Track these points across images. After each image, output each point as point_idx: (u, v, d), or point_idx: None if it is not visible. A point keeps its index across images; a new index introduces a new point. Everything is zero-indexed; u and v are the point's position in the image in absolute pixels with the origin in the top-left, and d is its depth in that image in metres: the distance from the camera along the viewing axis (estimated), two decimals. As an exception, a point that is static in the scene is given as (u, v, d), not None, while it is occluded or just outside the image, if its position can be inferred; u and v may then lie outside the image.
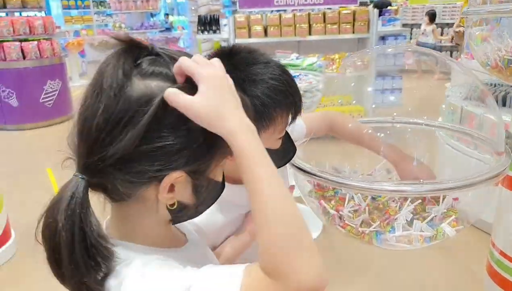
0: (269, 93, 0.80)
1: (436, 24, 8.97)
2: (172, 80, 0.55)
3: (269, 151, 0.59)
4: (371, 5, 8.46)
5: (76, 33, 11.70)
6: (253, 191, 0.53)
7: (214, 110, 0.53)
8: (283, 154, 0.90)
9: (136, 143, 0.53)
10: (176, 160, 0.55)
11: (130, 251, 0.59)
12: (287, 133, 0.90)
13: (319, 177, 0.90)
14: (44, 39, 5.94)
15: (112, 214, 0.64)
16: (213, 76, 0.55)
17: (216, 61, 0.58)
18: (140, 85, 0.54)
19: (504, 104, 2.89)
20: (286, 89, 0.83)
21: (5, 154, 5.16)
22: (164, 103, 0.53)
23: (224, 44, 7.21)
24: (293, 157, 0.94)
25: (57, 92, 6.07)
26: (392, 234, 0.91)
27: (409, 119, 1.20)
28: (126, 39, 0.56)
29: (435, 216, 0.94)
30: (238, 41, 4.70)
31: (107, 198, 0.61)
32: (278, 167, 0.72)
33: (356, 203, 0.99)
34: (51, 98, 6.00)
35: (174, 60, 0.56)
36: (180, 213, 0.62)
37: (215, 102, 0.54)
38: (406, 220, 0.93)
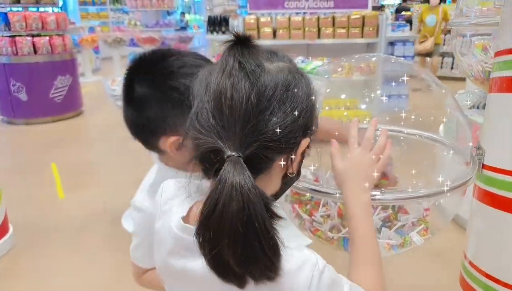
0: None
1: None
2: (287, 61, 0.67)
3: None
4: (388, 10, 8.43)
5: (91, 29, 11.86)
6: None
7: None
8: None
9: (290, 117, 0.61)
10: (309, 125, 0.65)
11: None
12: None
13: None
14: (56, 35, 6.06)
15: None
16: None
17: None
18: (274, 67, 0.63)
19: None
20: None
21: (11, 148, 5.27)
22: (303, 81, 0.64)
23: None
24: None
25: (67, 88, 6.17)
26: (359, 240, 0.92)
27: (390, 127, 1.20)
28: (241, 36, 0.61)
29: (405, 224, 0.95)
30: (247, 42, 4.73)
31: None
32: None
33: (329, 208, 1.00)
34: (60, 93, 6.10)
35: (275, 52, 0.68)
36: (286, 186, 0.71)
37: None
38: (376, 228, 0.94)
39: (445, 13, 7.31)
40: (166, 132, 0.90)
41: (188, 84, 0.83)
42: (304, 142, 0.65)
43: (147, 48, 8.16)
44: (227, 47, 0.61)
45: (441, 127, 3.44)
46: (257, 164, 0.60)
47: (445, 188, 0.83)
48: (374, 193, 0.83)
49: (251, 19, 4.73)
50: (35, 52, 5.83)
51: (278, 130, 0.59)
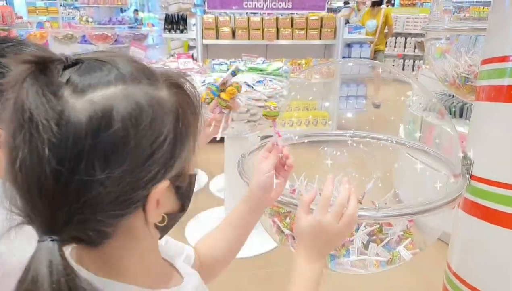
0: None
1: (399, 33, 9.20)
2: (114, 83, 0.46)
3: None
4: (340, 13, 8.57)
5: (40, 25, 11.18)
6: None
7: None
8: None
9: (117, 171, 0.45)
10: (159, 170, 0.49)
11: None
12: None
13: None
14: (1, 29, 5.64)
15: (87, 258, 0.53)
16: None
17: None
18: (83, 104, 0.44)
19: (461, 116, 2.96)
20: None
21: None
22: (130, 116, 0.45)
23: (192, 44, 7.09)
24: None
25: (12, 86, 5.77)
26: (347, 258, 0.87)
27: (369, 134, 1.17)
28: (34, 59, 0.44)
29: (391, 238, 0.91)
30: (206, 42, 4.63)
31: (83, 246, 0.50)
32: None
33: (312, 222, 0.94)
34: (4, 92, 5.69)
35: (100, 62, 0.48)
36: (169, 224, 0.57)
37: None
38: (363, 243, 0.90)
39: (387, 17, 6.65)
40: None
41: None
42: (156, 194, 0.50)
43: (100, 45, 7.79)
44: (20, 78, 0.44)
45: (401, 128, 3.49)
46: (92, 237, 0.48)
47: (435, 204, 0.79)
48: (363, 213, 0.78)
49: (209, 18, 4.62)
50: (-24, 48, 5.38)
51: (100, 194, 0.45)
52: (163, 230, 0.58)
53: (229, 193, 2.89)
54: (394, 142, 1.11)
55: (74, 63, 0.47)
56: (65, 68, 0.47)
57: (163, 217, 0.54)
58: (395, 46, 9.39)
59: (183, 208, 0.58)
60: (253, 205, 0.81)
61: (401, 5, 11.16)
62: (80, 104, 0.44)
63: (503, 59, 0.79)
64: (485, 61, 0.86)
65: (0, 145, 0.77)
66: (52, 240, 0.44)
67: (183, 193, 0.56)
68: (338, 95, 4.41)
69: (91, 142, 0.43)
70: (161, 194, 0.50)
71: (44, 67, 0.45)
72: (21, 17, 9.78)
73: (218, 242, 0.84)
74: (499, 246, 0.88)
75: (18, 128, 0.43)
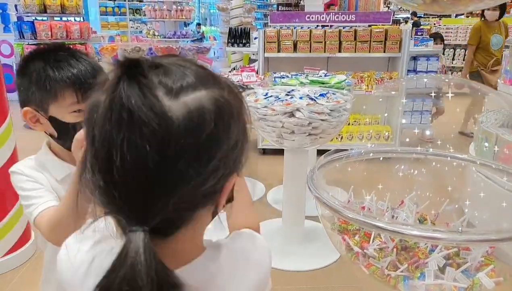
0: (46, 70, 1.02)
1: (459, 45, 8.67)
2: (199, 86, 0.50)
3: (64, 123, 1.06)
4: (407, 24, 8.28)
5: (111, 39, 12.00)
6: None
7: None
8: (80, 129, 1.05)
9: (211, 167, 0.49)
10: (237, 164, 0.55)
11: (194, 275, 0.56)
12: None
13: (344, 215, 0.83)
14: (79, 43, 6.12)
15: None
16: None
17: None
18: (179, 105, 0.47)
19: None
20: (67, 69, 1.03)
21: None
22: (219, 117, 0.50)
23: (253, 57, 7.22)
24: None
25: (89, 95, 6.22)
26: (422, 281, 0.83)
27: (444, 152, 1.12)
28: (126, 61, 0.47)
29: (471, 264, 0.86)
30: (267, 55, 4.69)
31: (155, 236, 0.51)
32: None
33: (383, 240, 0.91)
34: (83, 100, 6.15)
35: (179, 66, 0.51)
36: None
37: None
38: (438, 266, 0.85)
39: (507, 29, 5.42)
40: (25, 104, 1.06)
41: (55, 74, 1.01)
42: (229, 182, 0.54)
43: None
44: (113, 80, 0.47)
45: (471, 146, 3.28)
46: (170, 227, 0.52)
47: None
48: (442, 235, 0.74)
49: (271, 31, 4.68)
50: (60, 60, 5.91)
51: (192, 186, 0.48)
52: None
53: (287, 205, 2.88)
54: (478, 162, 1.04)
55: (156, 66, 0.50)
56: (151, 68, 0.49)
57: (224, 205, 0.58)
58: (463, 59, 8.92)
59: (232, 199, 0.61)
60: None
61: (473, 15, 10.60)
62: (176, 106, 0.47)
63: None
64: None
65: (36, 121, 1.07)
66: (143, 230, 0.47)
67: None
68: (402, 110, 4.26)
69: (189, 141, 0.47)
70: (230, 186, 0.55)
71: (137, 69, 0.47)
72: (95, 32, 10.56)
73: None
74: None
75: (115, 126, 0.46)
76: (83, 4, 6.59)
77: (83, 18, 6.95)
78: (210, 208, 0.55)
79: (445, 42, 9.05)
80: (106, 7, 13.07)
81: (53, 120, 1.06)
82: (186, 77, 0.50)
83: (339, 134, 4.07)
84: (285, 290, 2.37)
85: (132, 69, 0.47)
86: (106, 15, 13.27)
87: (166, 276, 0.47)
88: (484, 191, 1.16)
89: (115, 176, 0.46)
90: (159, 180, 0.46)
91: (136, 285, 0.45)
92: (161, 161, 0.46)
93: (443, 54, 5.39)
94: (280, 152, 3.09)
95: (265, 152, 4.78)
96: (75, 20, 6.62)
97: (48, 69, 1.02)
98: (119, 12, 13.44)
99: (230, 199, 0.60)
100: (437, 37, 5.34)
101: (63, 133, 1.08)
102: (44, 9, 6.00)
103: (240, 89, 0.62)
